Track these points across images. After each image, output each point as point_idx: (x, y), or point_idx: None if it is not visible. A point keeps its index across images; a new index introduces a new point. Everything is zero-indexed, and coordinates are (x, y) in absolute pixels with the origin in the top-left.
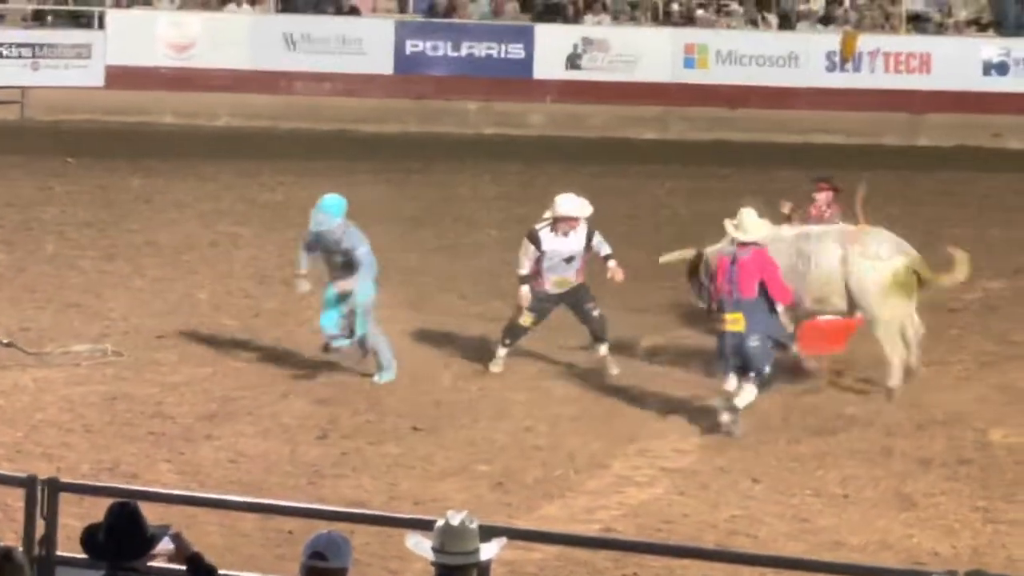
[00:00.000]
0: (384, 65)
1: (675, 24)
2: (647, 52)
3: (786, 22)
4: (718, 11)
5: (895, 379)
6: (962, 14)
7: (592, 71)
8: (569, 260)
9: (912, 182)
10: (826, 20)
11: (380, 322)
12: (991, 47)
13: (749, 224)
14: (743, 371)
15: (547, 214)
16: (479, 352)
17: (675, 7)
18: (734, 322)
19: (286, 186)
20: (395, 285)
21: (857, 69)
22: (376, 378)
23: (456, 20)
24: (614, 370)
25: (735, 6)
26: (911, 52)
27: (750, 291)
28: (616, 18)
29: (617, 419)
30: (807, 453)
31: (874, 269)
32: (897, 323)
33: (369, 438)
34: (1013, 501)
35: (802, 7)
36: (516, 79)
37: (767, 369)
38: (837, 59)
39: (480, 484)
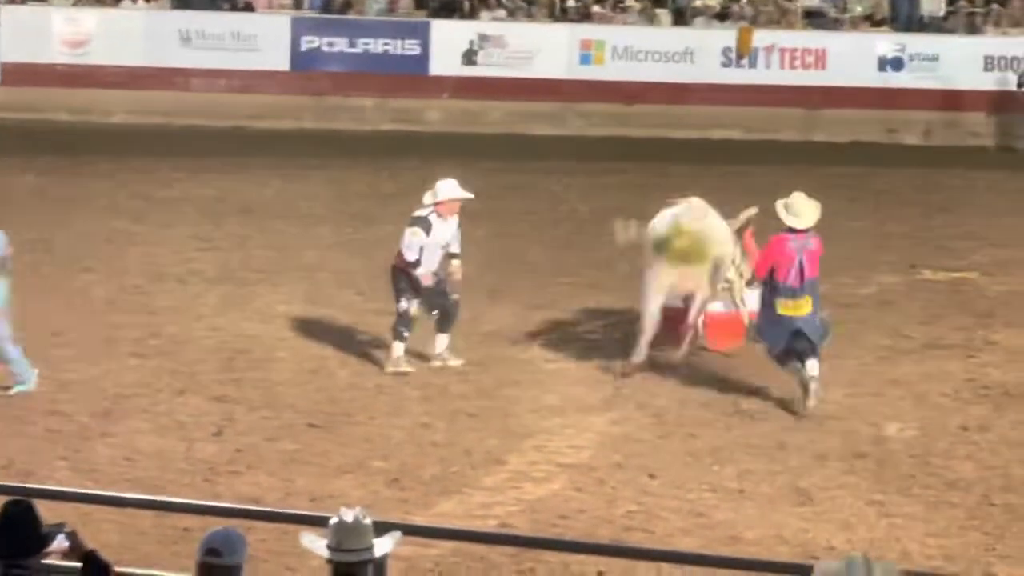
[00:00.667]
0: (280, 61)
1: (571, 20)
2: (543, 48)
3: (681, 18)
4: (614, 7)
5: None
6: (857, 9)
7: (488, 67)
8: (444, 247)
9: (808, 177)
10: (722, 16)
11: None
12: (886, 43)
13: (804, 210)
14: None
15: (428, 199)
16: (376, 349)
17: (571, 3)
18: (806, 304)
19: (182, 182)
20: (293, 282)
21: (753, 65)
22: (13, 391)
23: (352, 16)
24: (454, 362)
25: (631, 2)
26: (807, 48)
27: (814, 272)
28: (512, 14)
29: (514, 415)
30: (703, 448)
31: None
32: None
33: (265, 435)
34: (908, 495)
35: (697, 3)
36: (412, 75)
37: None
38: (733, 55)
39: (376, 480)
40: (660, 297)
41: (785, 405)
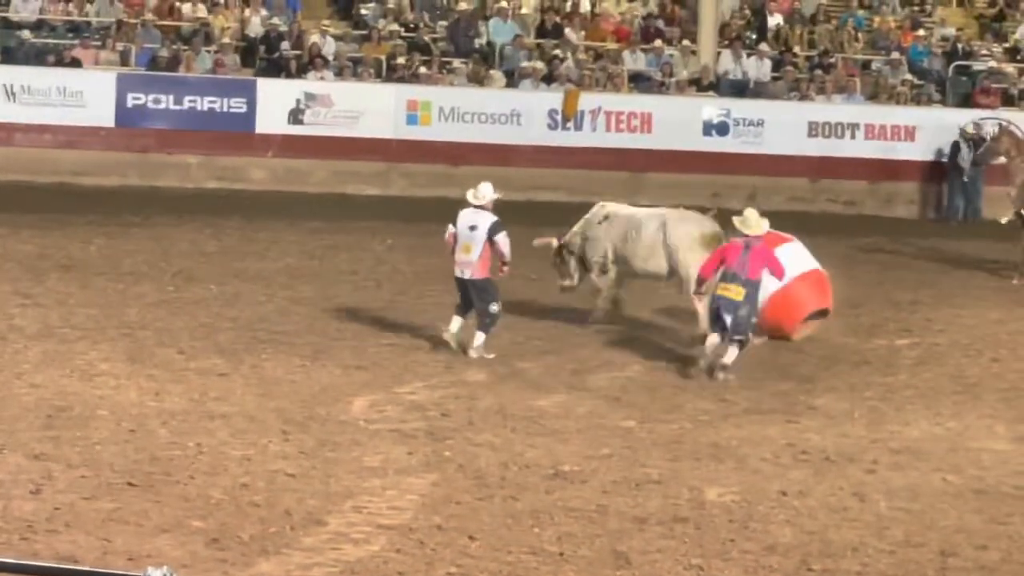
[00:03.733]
0: (105, 118)
1: (398, 80)
2: (370, 108)
3: (509, 80)
4: (441, 68)
5: (700, 327)
6: (683, 74)
7: (314, 126)
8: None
9: None
10: (548, 78)
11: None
12: (711, 107)
13: (753, 221)
14: (726, 334)
15: (475, 199)
16: (195, 408)
17: (399, 62)
18: (736, 293)
19: (3, 238)
20: (113, 339)
21: (579, 127)
22: None
23: (178, 74)
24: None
25: (458, 64)
26: (632, 111)
27: (756, 274)
28: (339, 73)
29: (334, 476)
30: (524, 510)
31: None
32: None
33: (83, 493)
34: (727, 559)
35: (524, 64)
36: (238, 133)
37: (749, 337)
38: (559, 117)
39: (195, 540)
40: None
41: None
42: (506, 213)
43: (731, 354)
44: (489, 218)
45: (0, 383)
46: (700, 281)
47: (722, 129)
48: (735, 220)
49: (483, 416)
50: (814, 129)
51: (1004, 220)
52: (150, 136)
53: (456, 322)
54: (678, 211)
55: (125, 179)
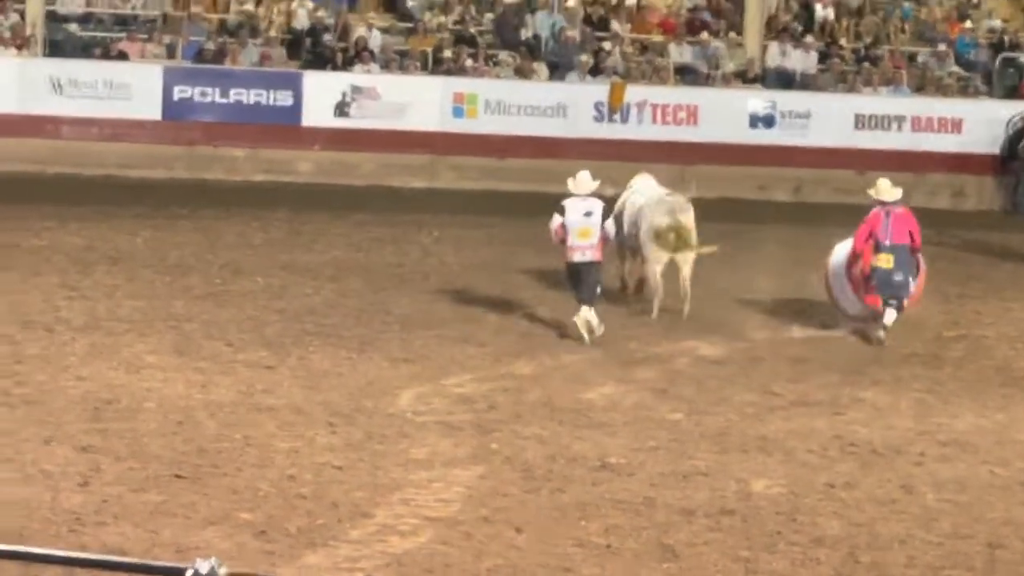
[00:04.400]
0: (152, 110)
1: (444, 73)
2: (416, 101)
3: (555, 72)
4: (487, 61)
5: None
6: (729, 66)
7: (360, 119)
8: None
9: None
10: (594, 71)
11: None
12: (757, 100)
13: (885, 189)
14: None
15: (576, 189)
16: (242, 400)
17: (445, 55)
18: (886, 261)
19: (51, 231)
20: (161, 332)
21: (625, 120)
22: None
23: (224, 67)
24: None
25: (504, 56)
26: (678, 104)
27: (901, 238)
28: (385, 66)
29: (381, 469)
30: (570, 503)
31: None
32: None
33: (131, 485)
34: (774, 551)
35: (576, 57)
36: (284, 126)
37: (906, 298)
38: (605, 110)
39: (243, 532)
40: (660, 267)
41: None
42: (551, 207)
43: (889, 316)
44: (599, 204)
45: (47, 375)
46: (855, 256)
47: (768, 121)
48: (870, 192)
49: (530, 409)
50: (860, 121)
51: None
52: (197, 129)
53: (585, 310)
54: (657, 197)
55: (172, 172)
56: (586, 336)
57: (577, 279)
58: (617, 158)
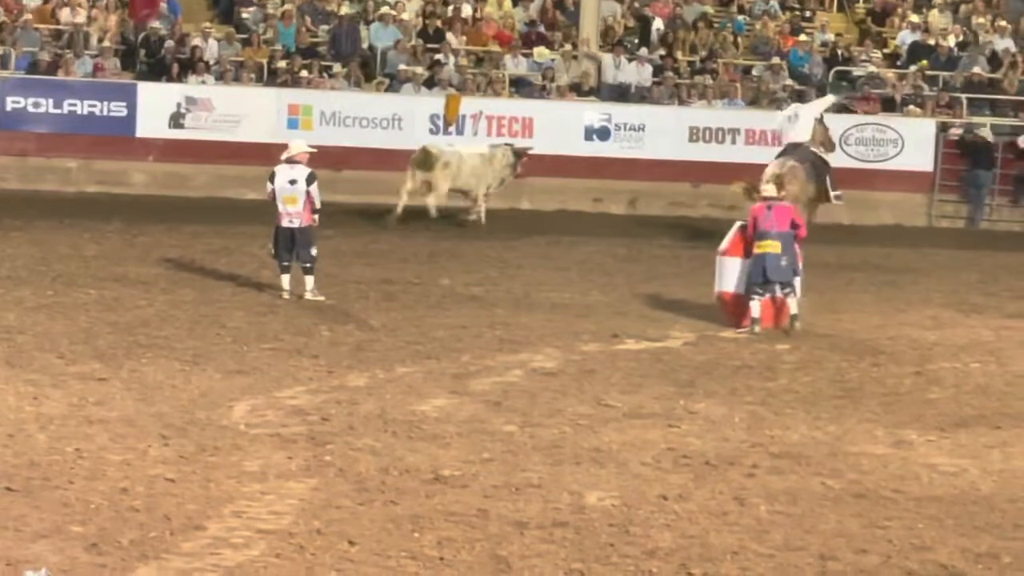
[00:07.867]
0: None
1: (279, 85)
2: (251, 112)
3: (390, 84)
4: (322, 72)
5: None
6: (564, 79)
7: (195, 130)
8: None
9: (513, 247)
10: (430, 83)
11: None
12: (593, 112)
13: (770, 187)
14: (770, 287)
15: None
16: (74, 413)
17: (280, 67)
18: (774, 246)
19: None
20: None
21: (461, 132)
22: None
23: (58, 77)
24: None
25: (339, 68)
26: (514, 116)
27: (784, 226)
28: (220, 77)
29: (214, 481)
30: (404, 515)
31: None
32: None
33: None
34: (608, 564)
35: (402, 68)
36: (118, 137)
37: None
38: (440, 122)
39: (74, 545)
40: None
41: None
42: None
43: (792, 304)
44: (305, 171)
45: None
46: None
47: (603, 134)
48: (757, 192)
49: (364, 421)
50: (695, 134)
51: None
52: (30, 140)
53: (286, 279)
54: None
55: (4, 183)
56: (286, 294)
57: (289, 244)
58: None
